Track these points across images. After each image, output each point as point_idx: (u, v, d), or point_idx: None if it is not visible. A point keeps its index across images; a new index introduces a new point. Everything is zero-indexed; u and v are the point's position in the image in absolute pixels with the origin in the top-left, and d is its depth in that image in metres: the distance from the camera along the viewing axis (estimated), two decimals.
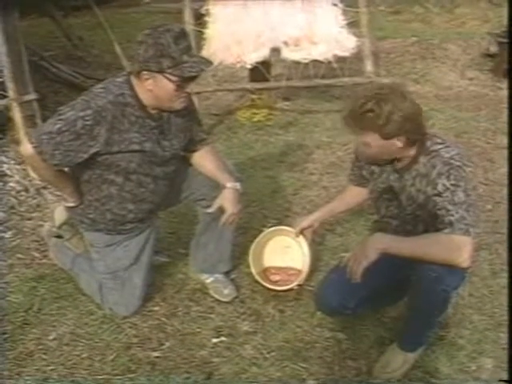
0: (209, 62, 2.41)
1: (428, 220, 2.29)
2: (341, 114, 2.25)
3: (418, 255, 2.17)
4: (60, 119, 2.34)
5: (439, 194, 2.18)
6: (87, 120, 2.32)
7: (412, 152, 2.27)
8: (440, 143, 2.27)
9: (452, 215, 2.13)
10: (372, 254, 2.19)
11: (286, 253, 3.07)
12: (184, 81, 2.35)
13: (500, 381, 2.37)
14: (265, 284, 2.96)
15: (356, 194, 2.77)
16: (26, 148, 2.42)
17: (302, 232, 2.90)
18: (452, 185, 2.15)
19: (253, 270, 2.98)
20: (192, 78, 2.38)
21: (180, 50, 2.28)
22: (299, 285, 2.96)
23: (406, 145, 2.22)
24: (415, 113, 2.18)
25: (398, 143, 2.19)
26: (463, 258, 2.12)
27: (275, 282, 3.01)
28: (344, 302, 2.48)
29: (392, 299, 2.77)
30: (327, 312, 2.67)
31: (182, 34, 2.32)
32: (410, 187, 2.31)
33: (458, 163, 2.18)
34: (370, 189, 2.54)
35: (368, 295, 2.46)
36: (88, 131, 2.34)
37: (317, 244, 3.31)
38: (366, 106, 2.13)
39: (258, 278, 2.96)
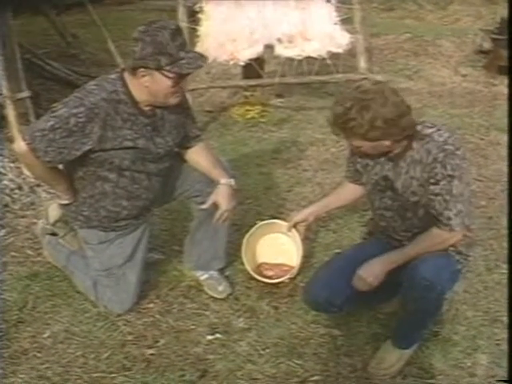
0: (204, 58, 2.43)
1: (426, 206, 2.31)
2: (327, 120, 2.23)
3: (414, 257, 2.28)
4: (53, 116, 2.34)
5: (435, 183, 2.21)
6: (80, 117, 2.32)
7: (404, 142, 2.27)
8: (431, 127, 2.28)
9: (441, 204, 2.21)
10: (376, 281, 2.33)
11: (281, 251, 3.06)
12: (180, 77, 2.36)
13: (500, 381, 2.37)
14: (257, 277, 2.97)
15: (352, 191, 2.76)
16: (20, 145, 2.41)
17: (295, 226, 2.88)
18: (449, 175, 2.18)
19: (246, 265, 2.98)
20: (187, 74, 2.39)
21: (177, 47, 2.30)
22: (291, 278, 2.97)
23: (395, 142, 2.22)
24: (399, 116, 2.13)
25: (385, 143, 2.20)
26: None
27: (269, 277, 3.01)
28: (330, 298, 2.48)
29: (383, 298, 2.75)
30: (313, 307, 2.66)
31: (178, 31, 2.34)
32: (405, 174, 2.32)
33: (451, 147, 2.19)
34: (364, 181, 2.53)
35: (356, 294, 2.45)
36: (81, 128, 2.34)
37: (310, 240, 3.31)
38: (349, 114, 2.11)
39: (250, 271, 2.97)
